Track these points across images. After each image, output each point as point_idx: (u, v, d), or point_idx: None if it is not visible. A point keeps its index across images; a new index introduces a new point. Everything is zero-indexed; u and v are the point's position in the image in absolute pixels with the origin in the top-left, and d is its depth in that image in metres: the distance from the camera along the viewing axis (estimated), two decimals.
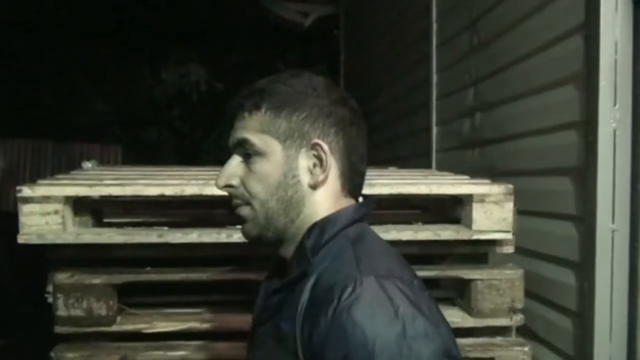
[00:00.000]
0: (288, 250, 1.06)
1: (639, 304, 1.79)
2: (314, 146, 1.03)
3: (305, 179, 1.03)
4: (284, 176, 1.03)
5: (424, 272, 1.71)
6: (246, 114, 1.04)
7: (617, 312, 1.82)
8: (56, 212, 1.68)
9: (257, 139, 1.03)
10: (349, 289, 0.90)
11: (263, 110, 1.03)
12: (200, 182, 1.82)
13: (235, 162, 1.07)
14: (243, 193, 1.05)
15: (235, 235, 1.74)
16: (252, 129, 1.03)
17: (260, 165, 1.03)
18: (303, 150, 1.03)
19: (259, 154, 1.03)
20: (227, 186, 1.07)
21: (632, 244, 1.81)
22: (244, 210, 1.06)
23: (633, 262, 1.80)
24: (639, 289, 1.79)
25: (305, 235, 1.02)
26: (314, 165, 1.03)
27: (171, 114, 11.73)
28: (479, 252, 1.90)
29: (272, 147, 1.03)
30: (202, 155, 10.88)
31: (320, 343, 0.89)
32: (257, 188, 1.03)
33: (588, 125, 1.88)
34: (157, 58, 11.32)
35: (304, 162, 1.03)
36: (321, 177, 1.03)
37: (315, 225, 1.03)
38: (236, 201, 1.07)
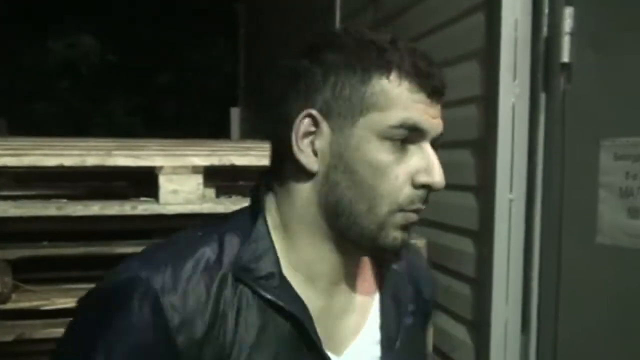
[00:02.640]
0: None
1: (533, 269, 1.89)
2: None
3: None
4: None
5: None
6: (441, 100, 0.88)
7: (513, 278, 1.92)
8: None
9: None
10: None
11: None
12: (102, 152, 1.74)
13: None
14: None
15: (139, 207, 1.69)
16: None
17: None
18: None
19: None
20: None
21: (527, 213, 1.90)
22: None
23: (528, 230, 1.90)
24: (533, 255, 1.89)
25: None
26: None
27: (60, 86, 11.17)
28: None
29: None
30: (93, 129, 10.45)
31: (432, 299, 1.08)
32: None
33: (489, 99, 1.96)
34: (46, 28, 10.72)
35: None
36: None
37: None
38: (424, 205, 0.85)
